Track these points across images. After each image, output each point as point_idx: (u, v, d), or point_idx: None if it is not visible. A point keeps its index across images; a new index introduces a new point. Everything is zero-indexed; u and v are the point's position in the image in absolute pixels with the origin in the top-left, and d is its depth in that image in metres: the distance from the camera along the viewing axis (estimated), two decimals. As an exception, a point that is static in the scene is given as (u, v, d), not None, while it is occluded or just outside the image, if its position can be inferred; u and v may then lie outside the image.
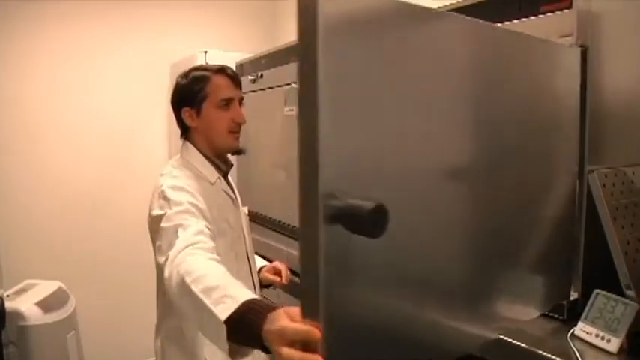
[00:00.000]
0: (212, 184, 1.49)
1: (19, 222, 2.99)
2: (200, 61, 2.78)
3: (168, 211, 1.29)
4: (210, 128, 1.49)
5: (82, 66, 3.12)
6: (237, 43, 3.40)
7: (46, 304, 2.42)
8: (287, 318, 0.78)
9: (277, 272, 1.66)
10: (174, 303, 1.11)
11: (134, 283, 3.27)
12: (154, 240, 1.39)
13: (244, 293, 0.94)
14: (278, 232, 2.20)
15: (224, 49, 2.92)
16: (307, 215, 0.69)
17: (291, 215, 2.11)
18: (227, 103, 1.48)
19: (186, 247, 1.15)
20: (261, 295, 1.60)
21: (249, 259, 1.60)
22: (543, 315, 1.19)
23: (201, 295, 0.97)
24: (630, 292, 1.09)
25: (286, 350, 0.73)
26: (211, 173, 1.51)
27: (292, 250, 1.88)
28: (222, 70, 1.50)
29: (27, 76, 3.00)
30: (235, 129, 1.50)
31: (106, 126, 3.22)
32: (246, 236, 1.61)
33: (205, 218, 1.31)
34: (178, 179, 1.41)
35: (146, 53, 3.29)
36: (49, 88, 3.06)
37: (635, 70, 1.28)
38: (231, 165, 1.60)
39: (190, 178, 1.43)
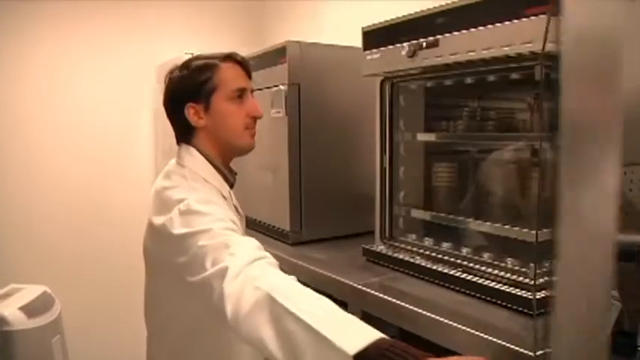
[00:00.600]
0: (225, 199, 1.29)
1: (3, 226, 2.96)
2: (186, 63, 2.77)
3: (210, 227, 1.06)
4: (222, 126, 1.27)
5: (67, 67, 3.11)
6: (224, 45, 3.38)
7: (30, 309, 2.39)
8: None
9: None
10: (247, 318, 0.87)
11: (121, 287, 3.25)
12: (151, 259, 1.24)
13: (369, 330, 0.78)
14: (264, 234, 2.20)
15: (210, 50, 2.91)
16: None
17: (277, 217, 2.12)
18: (240, 94, 1.28)
19: (254, 260, 0.96)
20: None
21: None
22: (519, 312, 1.21)
23: (311, 322, 0.79)
24: (614, 292, 1.10)
25: None
26: (222, 186, 1.29)
27: (278, 251, 1.88)
28: (230, 56, 1.30)
29: (11, 79, 2.97)
30: (251, 124, 1.31)
31: (92, 129, 3.21)
32: None
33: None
34: (199, 191, 1.19)
35: (131, 55, 3.28)
36: (34, 90, 3.04)
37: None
38: (236, 173, 1.39)
39: (207, 192, 1.21)
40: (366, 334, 0.76)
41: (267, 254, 1.03)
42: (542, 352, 0.95)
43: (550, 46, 1.13)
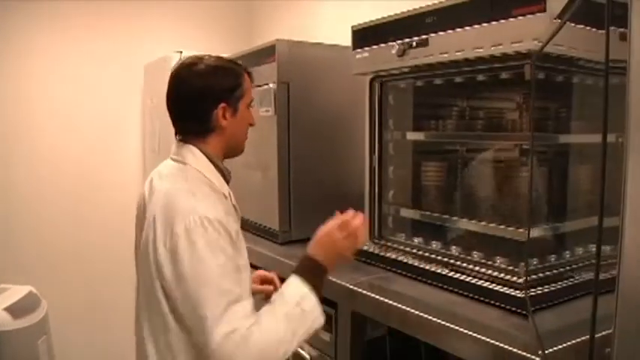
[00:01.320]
0: (226, 197, 1.29)
1: (-12, 225, 2.92)
2: (175, 61, 2.75)
3: (215, 277, 1.10)
4: (239, 131, 1.32)
5: (55, 66, 3.08)
6: (213, 43, 3.37)
7: (15, 310, 2.36)
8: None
9: (267, 281, 1.53)
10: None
11: (108, 287, 3.22)
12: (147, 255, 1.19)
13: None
14: (253, 233, 2.19)
15: (199, 49, 2.89)
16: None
17: (266, 216, 2.11)
18: (252, 105, 1.35)
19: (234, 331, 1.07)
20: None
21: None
22: (505, 309, 1.21)
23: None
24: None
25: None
26: (222, 185, 1.30)
27: (267, 251, 1.88)
28: (246, 67, 1.35)
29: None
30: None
31: (79, 128, 3.18)
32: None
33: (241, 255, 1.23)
34: (209, 203, 1.18)
35: (120, 53, 3.25)
36: (22, 89, 3.00)
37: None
38: (230, 172, 1.39)
39: (212, 199, 1.21)
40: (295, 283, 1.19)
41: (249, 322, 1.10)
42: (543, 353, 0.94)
43: (534, 44, 1.14)
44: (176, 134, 1.33)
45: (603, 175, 0.77)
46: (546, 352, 0.94)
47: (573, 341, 1.03)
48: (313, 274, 1.20)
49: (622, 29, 1.21)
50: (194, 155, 1.27)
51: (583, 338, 1.02)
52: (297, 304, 1.15)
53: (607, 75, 0.75)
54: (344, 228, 1.25)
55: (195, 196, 1.17)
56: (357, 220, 1.27)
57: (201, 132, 1.27)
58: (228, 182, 1.35)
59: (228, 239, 1.15)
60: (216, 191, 1.25)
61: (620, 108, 1.46)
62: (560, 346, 1.01)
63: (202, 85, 1.24)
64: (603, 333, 1.02)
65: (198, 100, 1.25)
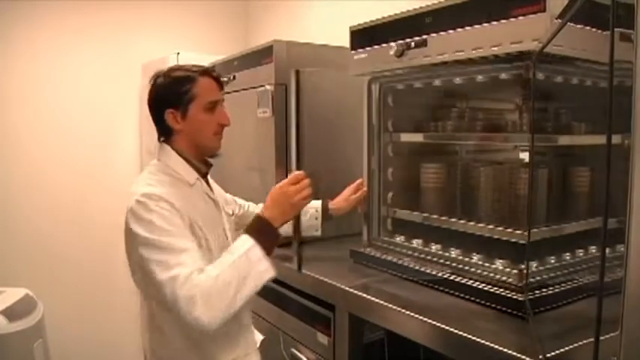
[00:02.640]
0: (191, 185, 1.45)
1: (-16, 227, 2.91)
2: (172, 62, 2.74)
3: (155, 238, 1.26)
4: (196, 131, 1.44)
5: (54, 66, 3.07)
6: (210, 44, 3.36)
7: (11, 313, 2.34)
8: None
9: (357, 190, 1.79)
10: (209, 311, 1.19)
11: (104, 290, 3.21)
12: (131, 251, 1.36)
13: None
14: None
15: (196, 50, 2.89)
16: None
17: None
18: (213, 106, 1.44)
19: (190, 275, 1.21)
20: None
21: None
22: (502, 312, 1.20)
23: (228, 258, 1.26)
24: None
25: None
26: (190, 174, 1.45)
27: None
28: (207, 71, 1.46)
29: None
30: (220, 131, 1.48)
31: (77, 128, 3.17)
32: (230, 240, 1.52)
33: (189, 227, 1.34)
34: (153, 187, 1.36)
35: (118, 54, 3.24)
36: (19, 88, 2.99)
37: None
38: (211, 165, 1.55)
39: (166, 184, 1.38)
40: (244, 239, 1.31)
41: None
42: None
43: (534, 44, 1.13)
44: (158, 137, 1.51)
45: (608, 176, 0.75)
46: (547, 355, 0.93)
47: (573, 345, 1.02)
48: (260, 231, 1.32)
49: (621, 29, 1.21)
50: (165, 152, 1.46)
51: (584, 342, 1.02)
52: (244, 254, 1.26)
53: (611, 76, 0.73)
54: (294, 181, 1.41)
55: (145, 181, 1.37)
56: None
57: (166, 133, 1.46)
58: (205, 174, 1.52)
59: (171, 209, 1.30)
60: (181, 180, 1.42)
61: (620, 108, 1.46)
62: (560, 350, 0.99)
63: (154, 95, 1.45)
64: (606, 336, 1.02)
65: (152, 109, 1.46)
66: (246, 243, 1.29)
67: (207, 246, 1.39)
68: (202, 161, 1.51)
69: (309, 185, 1.42)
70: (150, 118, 1.49)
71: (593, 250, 1.42)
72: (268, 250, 1.31)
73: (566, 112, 1.49)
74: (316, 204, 1.82)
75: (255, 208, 1.82)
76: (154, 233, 1.26)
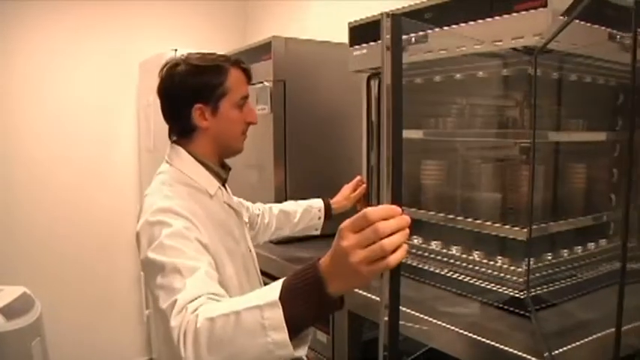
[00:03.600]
0: (212, 196, 1.26)
1: (-19, 225, 2.89)
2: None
3: (164, 260, 1.02)
4: (225, 130, 1.27)
5: (50, 64, 3.06)
6: (208, 41, 3.35)
7: (8, 311, 2.33)
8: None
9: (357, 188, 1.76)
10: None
11: (103, 288, 3.20)
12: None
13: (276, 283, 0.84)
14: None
15: (194, 47, 2.87)
16: None
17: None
18: (244, 102, 1.30)
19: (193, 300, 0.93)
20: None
21: (259, 276, 1.40)
22: (503, 309, 1.19)
23: (237, 308, 0.83)
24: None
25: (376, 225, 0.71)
26: (210, 183, 1.27)
27: (263, 251, 1.85)
28: (238, 62, 1.29)
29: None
30: (246, 130, 1.34)
31: (75, 127, 3.16)
32: (252, 250, 1.41)
33: (205, 246, 1.11)
34: (170, 199, 1.15)
35: (115, 52, 3.23)
36: (16, 87, 2.98)
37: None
38: (230, 169, 1.38)
39: (184, 196, 1.18)
40: (275, 287, 0.83)
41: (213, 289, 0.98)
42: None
43: (536, 40, 1.12)
44: (169, 135, 1.34)
45: (630, 169, 0.75)
46: (553, 353, 0.92)
47: (581, 341, 1.01)
48: (301, 288, 0.83)
49: (609, 29, 1.21)
50: (178, 156, 1.28)
51: (591, 338, 1.02)
52: (257, 310, 0.82)
53: (634, 77, 0.73)
54: (386, 215, 0.76)
55: (160, 194, 1.17)
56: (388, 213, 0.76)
57: (185, 133, 1.28)
58: (225, 181, 1.34)
59: (186, 224, 1.10)
60: (199, 190, 1.24)
61: (608, 106, 1.47)
62: (568, 347, 0.98)
63: (178, 87, 1.24)
64: (606, 332, 1.02)
65: (175, 102, 1.26)
66: (269, 295, 0.83)
67: (227, 270, 1.20)
68: (221, 165, 1.34)
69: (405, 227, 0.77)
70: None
71: (592, 247, 1.43)
72: (306, 319, 0.83)
73: (559, 109, 1.49)
74: (318, 203, 1.78)
75: (264, 210, 1.72)
76: (165, 254, 1.03)
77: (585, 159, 1.49)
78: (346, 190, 1.80)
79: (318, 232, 1.79)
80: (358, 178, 1.79)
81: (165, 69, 1.27)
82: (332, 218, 1.79)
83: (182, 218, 1.10)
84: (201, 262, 1.03)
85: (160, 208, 1.11)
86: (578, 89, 1.44)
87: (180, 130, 1.29)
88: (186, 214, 1.11)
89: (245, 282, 1.28)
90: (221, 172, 1.33)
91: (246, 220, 1.49)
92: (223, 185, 1.34)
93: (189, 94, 1.23)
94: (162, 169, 1.29)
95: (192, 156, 1.27)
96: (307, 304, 0.80)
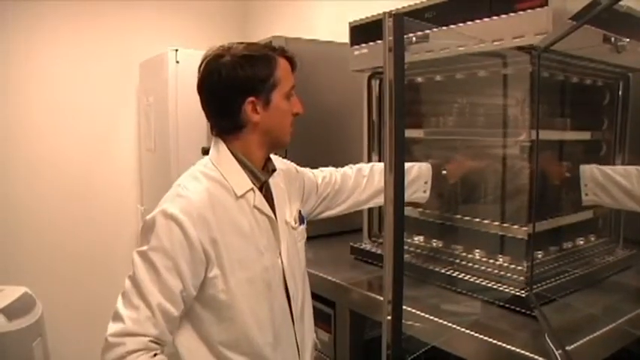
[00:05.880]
0: (238, 197, 1.17)
1: (-18, 226, 2.90)
2: (170, 58, 2.72)
3: (140, 264, 1.07)
4: (277, 123, 1.20)
5: (51, 65, 3.05)
6: (208, 41, 3.31)
7: (10, 311, 2.33)
8: None
9: None
10: None
11: (104, 288, 3.19)
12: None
13: None
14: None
15: (195, 46, 2.87)
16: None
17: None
18: (292, 93, 1.23)
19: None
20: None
21: (288, 286, 1.24)
22: (507, 308, 1.20)
23: None
24: None
25: None
26: (241, 184, 1.18)
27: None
28: (284, 52, 1.23)
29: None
30: (294, 122, 1.26)
31: (76, 127, 3.15)
32: (284, 260, 1.24)
33: (205, 251, 1.10)
34: (184, 200, 1.10)
35: (115, 52, 3.22)
36: (16, 88, 2.97)
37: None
38: (274, 171, 1.28)
39: (203, 197, 1.12)
40: None
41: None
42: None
43: (537, 39, 1.12)
44: (211, 130, 1.25)
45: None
46: (567, 348, 0.92)
47: (594, 335, 1.02)
48: None
49: (604, 31, 1.22)
50: (217, 151, 1.21)
51: (601, 331, 1.03)
52: None
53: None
54: None
55: (178, 189, 1.13)
56: None
57: (232, 129, 1.19)
58: (262, 181, 1.23)
59: (180, 238, 1.07)
60: (226, 188, 1.16)
61: (600, 107, 1.48)
62: (580, 342, 0.99)
63: (227, 80, 1.14)
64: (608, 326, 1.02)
65: (225, 96, 1.16)
66: None
67: (235, 281, 1.14)
68: (263, 165, 1.25)
69: None
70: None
71: (581, 242, 1.46)
72: None
73: (553, 107, 1.50)
74: (427, 173, 1.55)
75: (343, 175, 1.57)
76: (145, 260, 1.07)
77: (573, 157, 1.51)
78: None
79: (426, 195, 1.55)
80: None
81: (205, 62, 1.19)
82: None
83: (180, 226, 1.07)
84: (168, 300, 1.07)
85: (165, 211, 1.08)
86: (569, 89, 1.46)
87: (228, 127, 1.20)
88: (187, 227, 1.07)
89: (261, 292, 1.18)
90: (259, 173, 1.22)
91: (294, 225, 1.31)
92: (260, 188, 1.23)
93: (239, 87, 1.15)
94: (201, 161, 1.23)
95: (233, 154, 1.20)
96: None
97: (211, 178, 1.16)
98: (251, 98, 1.15)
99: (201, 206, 1.10)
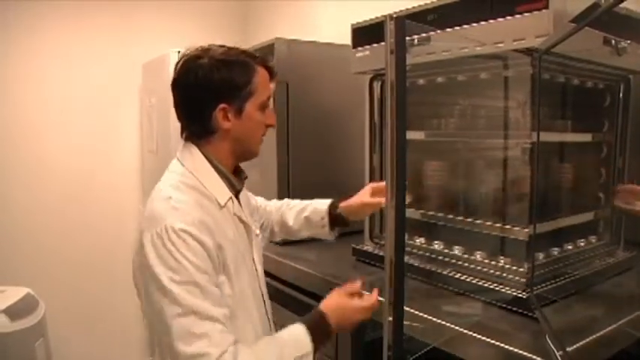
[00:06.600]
0: (222, 207, 1.15)
1: (-15, 227, 2.90)
2: (173, 59, 2.73)
3: (180, 294, 0.99)
4: (247, 133, 1.17)
5: (54, 66, 3.06)
6: (210, 42, 3.35)
7: (13, 311, 2.34)
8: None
9: (379, 192, 1.48)
10: None
11: (106, 290, 3.20)
12: (139, 279, 1.09)
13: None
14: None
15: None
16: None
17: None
18: (268, 104, 1.20)
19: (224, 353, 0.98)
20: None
21: (263, 295, 1.29)
22: (505, 309, 1.20)
23: None
24: None
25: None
26: (222, 193, 1.16)
27: (266, 252, 1.86)
28: (264, 60, 1.20)
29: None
30: (265, 134, 1.24)
31: (78, 129, 3.16)
32: (258, 268, 1.28)
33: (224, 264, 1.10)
34: (184, 212, 1.06)
35: (118, 53, 3.24)
36: (20, 88, 2.98)
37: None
38: (246, 177, 1.29)
39: (197, 208, 1.09)
40: (302, 336, 1.11)
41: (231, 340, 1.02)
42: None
43: (538, 41, 1.13)
44: (181, 132, 1.22)
45: None
46: (568, 349, 0.92)
47: (594, 336, 1.02)
48: (321, 335, 1.14)
49: (604, 33, 1.23)
50: (192, 157, 1.17)
51: (602, 332, 1.03)
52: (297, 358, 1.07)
53: None
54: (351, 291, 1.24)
55: (170, 202, 1.07)
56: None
57: (203, 134, 1.16)
58: (237, 190, 1.24)
59: (201, 251, 1.04)
60: (209, 198, 1.14)
61: (601, 109, 1.50)
62: (581, 343, 1.00)
63: (201, 83, 1.11)
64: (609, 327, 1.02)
65: (197, 99, 1.13)
66: (302, 347, 1.09)
67: (239, 288, 1.15)
68: (235, 172, 1.24)
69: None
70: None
71: (582, 244, 1.46)
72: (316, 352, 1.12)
73: (553, 109, 1.50)
74: (322, 209, 1.57)
75: (268, 206, 1.64)
76: (180, 286, 1.00)
77: (574, 159, 1.52)
78: (365, 193, 1.55)
79: (332, 238, 1.59)
80: (382, 185, 1.53)
81: (183, 61, 1.16)
82: (347, 225, 1.59)
83: (197, 242, 1.04)
84: (218, 306, 1.03)
85: (172, 228, 1.03)
86: (570, 91, 1.46)
87: (198, 131, 1.17)
88: (199, 236, 1.04)
89: (250, 299, 1.20)
90: (235, 182, 1.22)
91: (257, 232, 1.34)
92: (236, 196, 1.23)
93: (212, 91, 1.12)
94: (173, 168, 1.19)
95: (208, 159, 1.17)
96: (321, 345, 1.14)
97: (192, 187, 1.13)
98: (223, 105, 1.12)
99: (199, 215, 1.07)
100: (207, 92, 1.12)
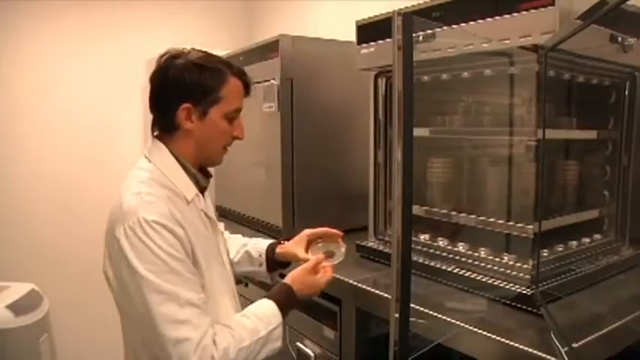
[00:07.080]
0: (188, 202, 1.19)
1: (-11, 223, 2.91)
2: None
3: (158, 282, 1.05)
4: (208, 139, 1.21)
5: (58, 63, 3.07)
6: (215, 39, 3.36)
7: (17, 307, 2.35)
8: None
9: (314, 241, 1.48)
10: None
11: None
12: (110, 255, 1.14)
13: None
14: (256, 230, 2.18)
15: (201, 45, 2.88)
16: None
17: (269, 213, 2.09)
18: (236, 115, 1.23)
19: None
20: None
21: (233, 290, 1.36)
22: (510, 306, 1.20)
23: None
24: None
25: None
26: (189, 189, 1.21)
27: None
28: (239, 72, 1.22)
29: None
30: (230, 144, 1.27)
31: (81, 125, 3.17)
32: (226, 262, 1.35)
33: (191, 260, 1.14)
34: (155, 205, 1.10)
35: (122, 50, 3.24)
36: (24, 85, 2.99)
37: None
38: (211, 176, 1.32)
39: (166, 201, 1.13)
40: (272, 310, 1.22)
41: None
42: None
43: (544, 38, 1.13)
44: (152, 127, 1.27)
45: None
46: (573, 346, 0.92)
47: (599, 333, 1.02)
48: (288, 306, 1.26)
49: (611, 30, 1.23)
50: (160, 153, 1.21)
51: (607, 329, 1.03)
52: (269, 333, 1.17)
53: None
54: (317, 268, 1.32)
55: (141, 196, 1.12)
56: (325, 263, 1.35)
57: (167, 129, 1.21)
58: (204, 189, 1.29)
59: (174, 241, 1.09)
60: (176, 194, 1.17)
61: (606, 107, 1.49)
62: (586, 340, 0.99)
63: (171, 80, 1.16)
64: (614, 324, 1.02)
65: (164, 95, 1.19)
66: (273, 320, 1.20)
67: (209, 278, 1.19)
68: (202, 171, 1.28)
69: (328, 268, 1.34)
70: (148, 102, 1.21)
71: (587, 241, 1.46)
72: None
73: (559, 107, 1.50)
74: (261, 247, 1.53)
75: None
76: (158, 276, 1.05)
77: (579, 156, 1.51)
78: (301, 239, 1.51)
79: (268, 281, 1.55)
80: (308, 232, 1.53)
81: (163, 58, 1.21)
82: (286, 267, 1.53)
83: (169, 232, 1.08)
84: (194, 291, 1.09)
85: (145, 219, 1.07)
86: (575, 88, 1.46)
87: (163, 125, 1.22)
88: (171, 227, 1.09)
89: (225, 292, 1.28)
90: (201, 179, 1.26)
91: (222, 230, 1.44)
92: (202, 193, 1.28)
93: (179, 90, 1.16)
94: (140, 164, 1.22)
95: (174, 155, 1.21)
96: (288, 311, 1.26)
97: (160, 183, 1.17)
98: (187, 105, 1.16)
99: (169, 209, 1.11)
100: (174, 89, 1.17)
